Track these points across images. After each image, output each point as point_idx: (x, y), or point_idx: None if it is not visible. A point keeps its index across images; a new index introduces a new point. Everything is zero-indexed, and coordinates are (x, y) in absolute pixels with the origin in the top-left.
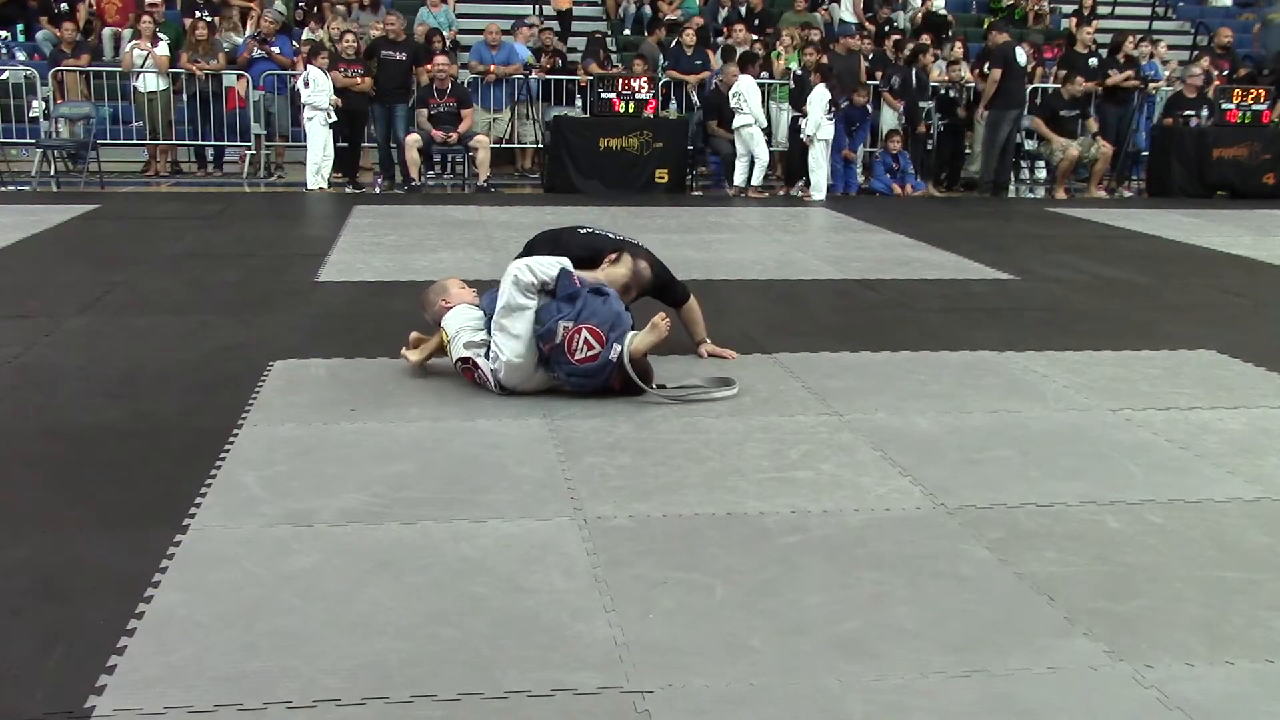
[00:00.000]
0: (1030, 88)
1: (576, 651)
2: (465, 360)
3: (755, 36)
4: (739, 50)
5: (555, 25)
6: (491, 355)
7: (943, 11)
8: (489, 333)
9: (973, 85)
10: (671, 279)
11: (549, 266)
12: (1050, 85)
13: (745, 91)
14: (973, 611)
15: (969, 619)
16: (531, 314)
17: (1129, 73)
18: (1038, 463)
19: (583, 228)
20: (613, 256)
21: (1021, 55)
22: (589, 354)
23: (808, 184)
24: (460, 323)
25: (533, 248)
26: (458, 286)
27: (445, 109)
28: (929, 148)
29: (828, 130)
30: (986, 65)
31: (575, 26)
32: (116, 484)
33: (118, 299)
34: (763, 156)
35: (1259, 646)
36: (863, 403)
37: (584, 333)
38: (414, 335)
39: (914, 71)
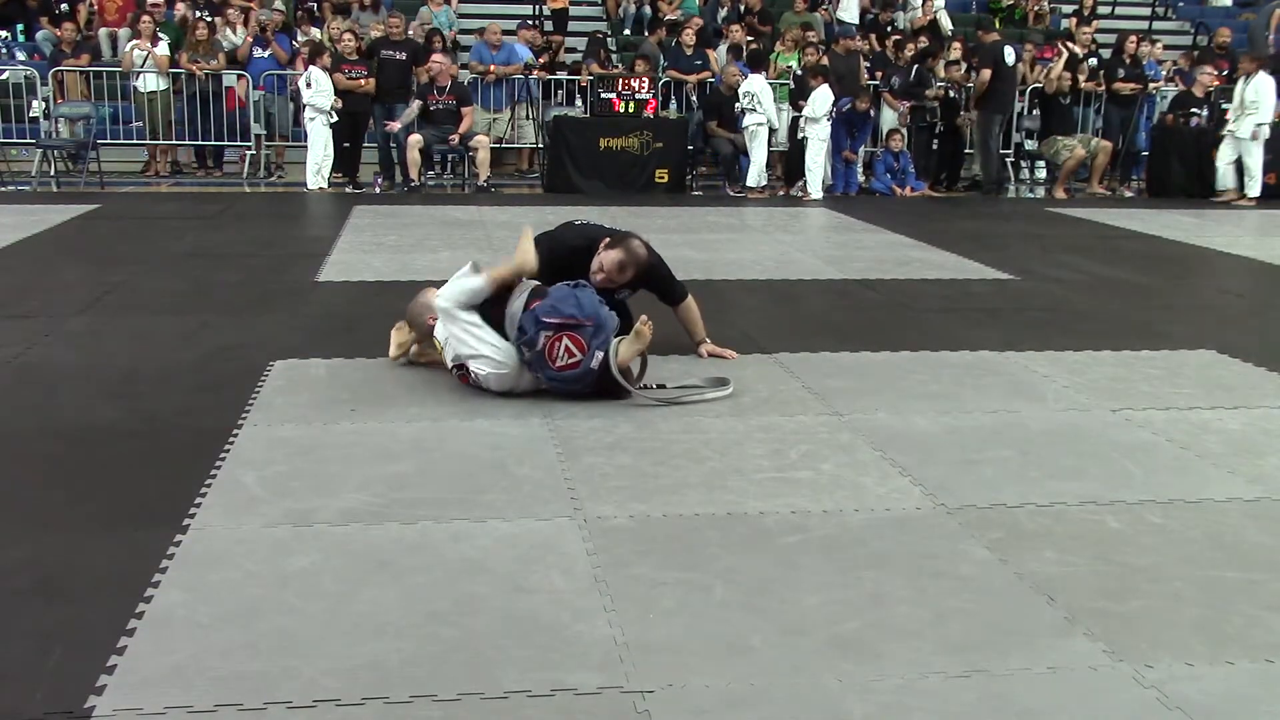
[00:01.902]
0: (1030, 87)
1: (576, 651)
2: (459, 366)
3: (750, 37)
4: (745, 50)
5: (551, 26)
6: (472, 374)
7: (942, 11)
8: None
9: (971, 85)
10: (670, 276)
11: (457, 288)
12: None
13: (759, 92)
14: (973, 611)
15: (969, 619)
16: (480, 322)
17: (1136, 85)
18: (1038, 463)
19: (578, 220)
20: (607, 241)
21: (1010, 55)
22: (570, 361)
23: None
24: (447, 332)
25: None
26: None
27: (445, 107)
28: (934, 147)
29: (824, 130)
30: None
31: (575, 27)
32: (116, 484)
33: (118, 299)
34: (760, 157)
35: (1259, 646)
36: (863, 403)
37: (565, 340)
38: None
39: (916, 70)
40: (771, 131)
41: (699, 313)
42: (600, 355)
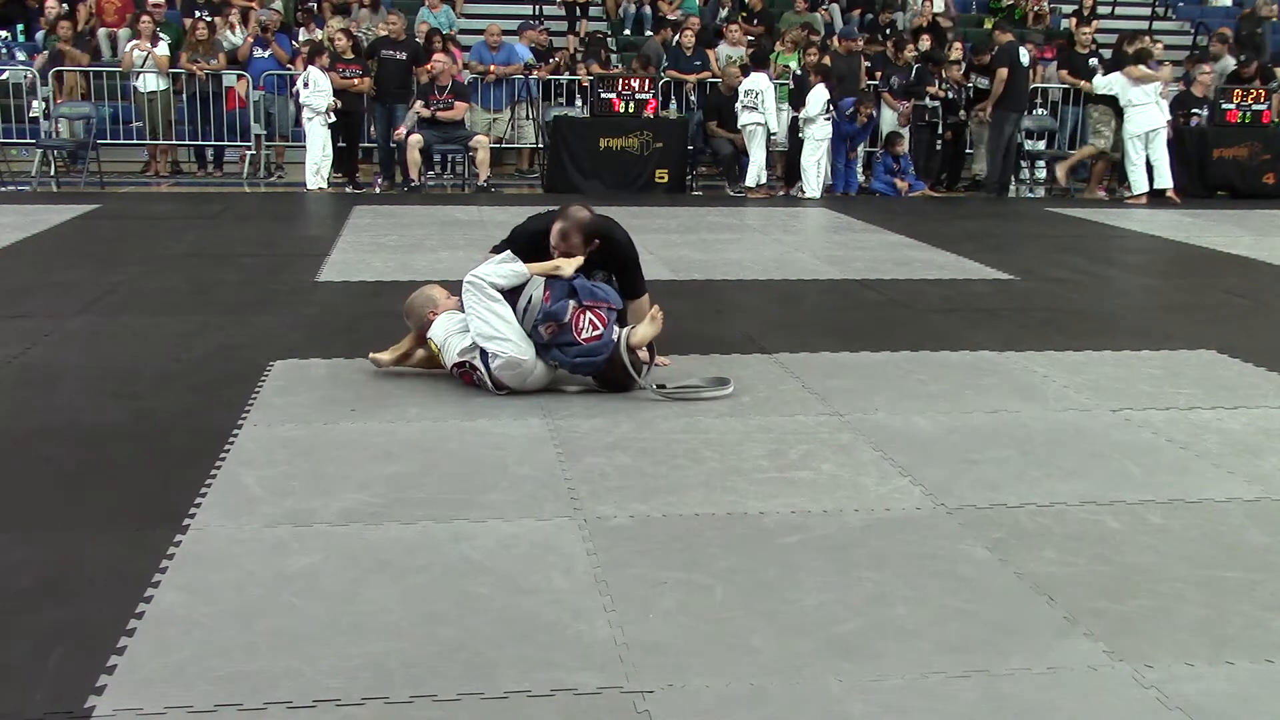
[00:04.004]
0: (1031, 87)
1: (576, 651)
2: (461, 364)
3: (751, 37)
4: (758, 51)
5: (557, 24)
6: (490, 355)
7: (940, 11)
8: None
9: (972, 85)
10: (636, 264)
11: (499, 266)
12: (1052, 85)
13: (765, 91)
14: (973, 611)
15: (969, 619)
16: (509, 312)
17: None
18: (1038, 463)
19: (542, 210)
20: (554, 219)
21: (1025, 56)
22: (594, 333)
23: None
24: (446, 330)
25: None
26: (444, 295)
27: (445, 106)
28: (937, 147)
29: (823, 130)
30: (986, 64)
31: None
32: (116, 484)
33: (118, 299)
34: (759, 156)
35: (1259, 646)
36: (863, 403)
37: (589, 314)
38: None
39: (918, 70)
40: (770, 133)
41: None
42: (618, 330)
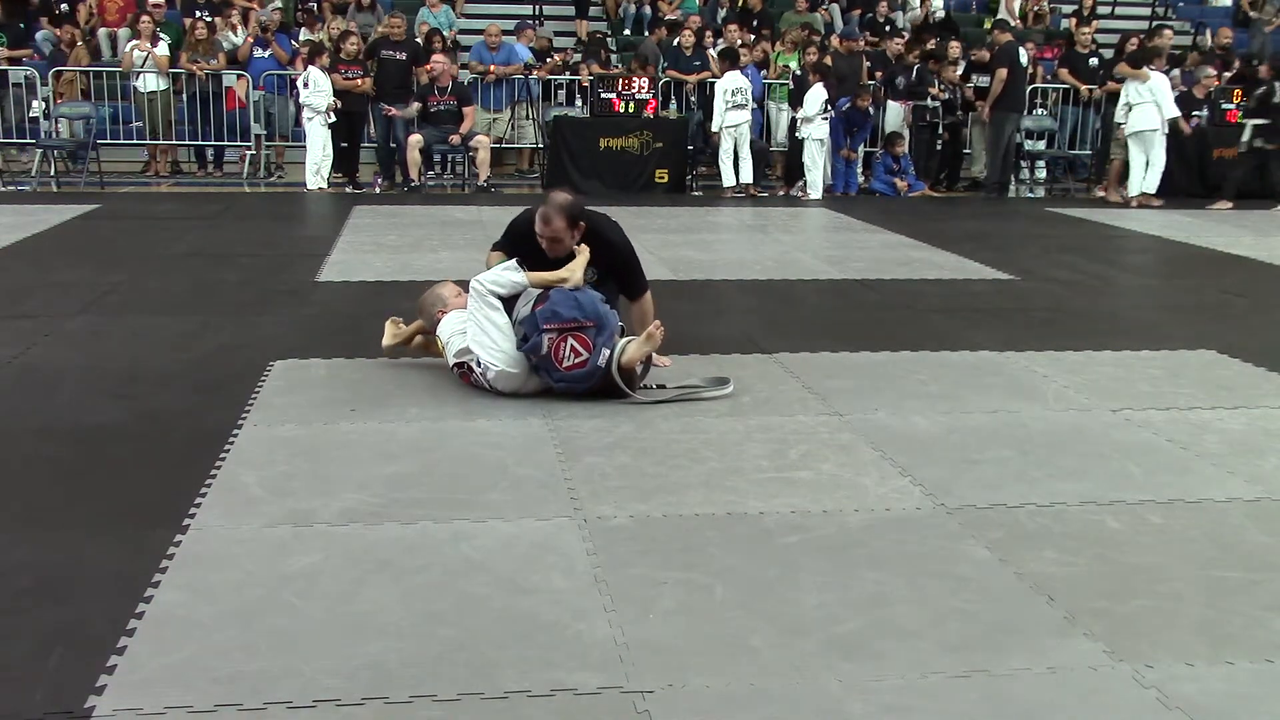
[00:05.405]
0: (1030, 88)
1: (576, 651)
2: (460, 365)
3: (751, 37)
4: (728, 48)
5: (556, 24)
6: (483, 366)
7: (941, 12)
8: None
9: (972, 85)
10: (632, 264)
11: (499, 273)
12: (1053, 86)
13: (746, 88)
14: (973, 611)
15: (969, 619)
16: (505, 322)
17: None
18: (1038, 463)
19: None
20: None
21: (1024, 56)
22: (577, 361)
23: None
24: (450, 330)
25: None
26: (453, 294)
27: (446, 108)
28: (937, 147)
29: (821, 130)
30: (986, 62)
31: (574, 27)
32: (116, 484)
33: (118, 299)
34: (747, 155)
35: (1259, 646)
36: (863, 403)
37: (570, 340)
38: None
39: (919, 69)
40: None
41: (651, 315)
42: (607, 353)
